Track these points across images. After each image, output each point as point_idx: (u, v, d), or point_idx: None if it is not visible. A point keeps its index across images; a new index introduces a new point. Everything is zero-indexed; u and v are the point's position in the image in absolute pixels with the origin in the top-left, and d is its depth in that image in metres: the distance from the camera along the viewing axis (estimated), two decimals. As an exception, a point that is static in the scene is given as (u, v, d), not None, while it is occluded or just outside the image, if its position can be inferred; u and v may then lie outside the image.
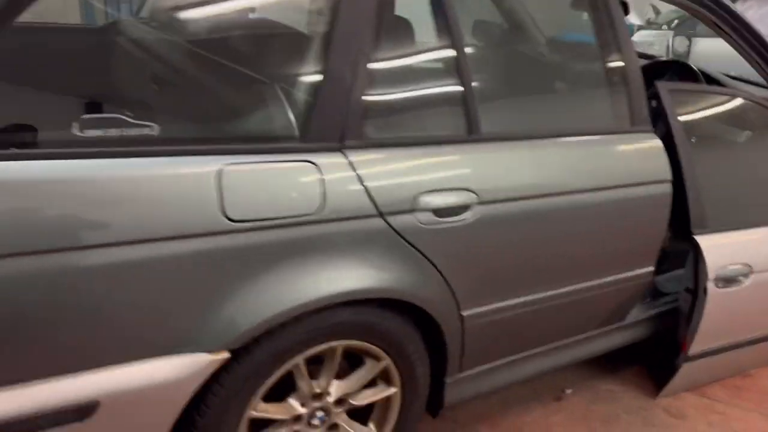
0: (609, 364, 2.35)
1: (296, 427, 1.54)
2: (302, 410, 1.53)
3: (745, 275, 2.10)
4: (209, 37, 1.79)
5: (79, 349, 1.20)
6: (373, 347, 1.55)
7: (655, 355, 2.35)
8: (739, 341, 2.27)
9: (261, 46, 1.76)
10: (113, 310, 1.20)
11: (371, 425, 1.69)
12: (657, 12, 8.46)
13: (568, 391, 2.26)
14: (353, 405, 1.61)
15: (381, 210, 1.42)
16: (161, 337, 1.25)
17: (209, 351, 1.29)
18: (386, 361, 1.60)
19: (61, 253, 1.12)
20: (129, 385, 1.23)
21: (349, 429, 1.63)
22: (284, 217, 1.31)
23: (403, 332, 1.58)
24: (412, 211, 1.46)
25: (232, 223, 1.26)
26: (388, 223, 1.44)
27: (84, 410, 1.20)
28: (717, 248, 2.05)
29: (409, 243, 1.48)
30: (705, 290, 2.03)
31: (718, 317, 2.10)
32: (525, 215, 1.63)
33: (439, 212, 1.50)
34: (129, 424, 1.26)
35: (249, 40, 1.80)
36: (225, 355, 1.30)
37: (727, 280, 2.07)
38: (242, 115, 1.46)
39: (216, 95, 1.56)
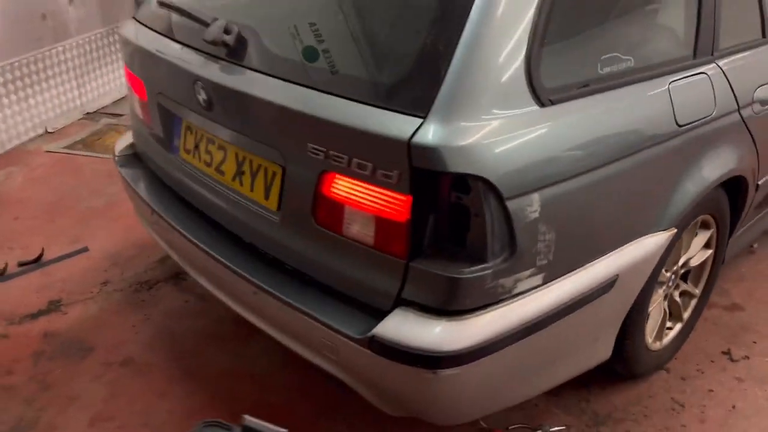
0: None
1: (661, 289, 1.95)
2: (667, 275, 1.94)
3: None
4: None
5: (607, 239, 1.55)
6: (710, 218, 1.97)
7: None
8: None
9: None
10: (625, 206, 1.55)
11: (689, 283, 2.12)
12: None
13: (755, 246, 2.79)
14: (690, 266, 2.03)
15: (739, 105, 1.81)
16: (643, 222, 1.62)
17: (665, 229, 1.67)
18: (713, 229, 2.02)
19: (609, 165, 1.45)
20: (631, 260, 1.59)
21: (684, 286, 2.06)
22: (702, 118, 1.68)
23: (725, 203, 2.00)
24: (752, 103, 1.86)
25: (679, 128, 1.61)
26: (741, 116, 1.83)
27: (610, 284, 1.56)
28: None
29: (749, 130, 1.88)
30: None
31: None
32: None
33: (762, 103, 1.91)
34: (627, 290, 1.64)
35: None
36: (674, 231, 1.69)
37: None
38: (661, 44, 1.72)
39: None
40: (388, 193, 1.31)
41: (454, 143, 1.23)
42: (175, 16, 1.84)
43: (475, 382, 1.40)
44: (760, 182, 2.08)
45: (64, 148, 3.78)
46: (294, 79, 1.45)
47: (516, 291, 1.38)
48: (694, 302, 2.13)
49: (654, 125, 1.56)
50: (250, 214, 1.65)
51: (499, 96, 1.29)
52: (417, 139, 1.22)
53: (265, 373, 2.08)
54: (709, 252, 2.08)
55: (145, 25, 1.97)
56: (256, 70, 1.53)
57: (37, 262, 2.66)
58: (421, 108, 1.26)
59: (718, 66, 1.77)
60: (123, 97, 4.61)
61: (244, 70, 1.55)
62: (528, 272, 1.38)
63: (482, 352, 1.35)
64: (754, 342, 2.24)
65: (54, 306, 2.40)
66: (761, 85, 1.89)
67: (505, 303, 1.37)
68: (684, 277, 2.07)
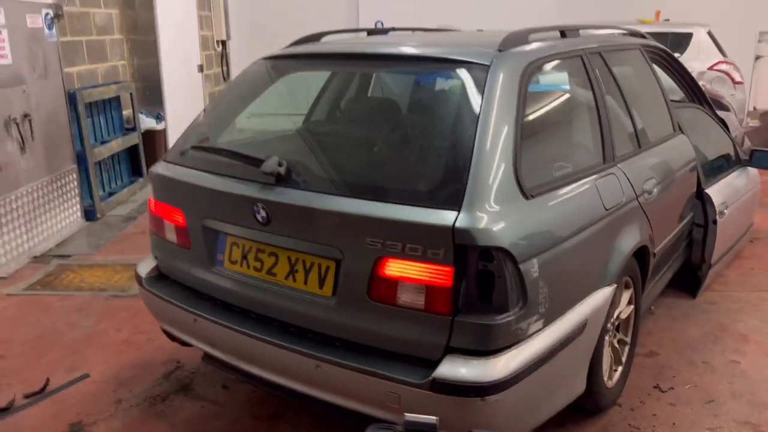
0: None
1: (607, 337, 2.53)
2: (608, 325, 2.53)
3: (726, 209, 3.58)
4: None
5: (578, 291, 2.12)
6: (630, 279, 2.63)
7: (682, 276, 3.71)
8: (724, 250, 3.75)
9: None
10: (587, 267, 2.15)
11: (621, 333, 2.73)
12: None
13: (653, 308, 3.52)
14: (621, 318, 2.65)
15: (636, 194, 2.54)
16: (597, 278, 2.22)
17: (610, 285, 2.28)
18: (632, 288, 2.68)
19: (575, 236, 2.06)
20: (592, 308, 2.16)
21: (619, 335, 2.67)
22: (618, 204, 2.37)
23: (637, 268, 2.68)
24: (643, 193, 2.60)
25: (606, 211, 2.28)
26: (638, 202, 2.56)
27: (582, 326, 2.11)
28: (714, 195, 3.49)
29: (644, 212, 2.61)
30: (715, 221, 3.45)
31: (719, 237, 3.53)
32: (666, 189, 2.84)
33: (649, 192, 2.66)
34: (592, 333, 2.19)
35: None
36: (615, 286, 2.30)
37: (720, 214, 3.52)
38: (585, 155, 2.43)
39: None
40: (436, 266, 1.80)
41: (482, 226, 1.77)
42: (218, 157, 2.30)
43: (512, 404, 1.85)
44: (655, 251, 2.80)
45: (24, 290, 3.88)
46: (349, 193, 1.95)
47: (529, 332, 1.89)
48: (627, 348, 2.73)
49: (593, 208, 2.21)
50: (304, 303, 2.05)
51: (501, 194, 1.87)
52: (458, 224, 1.76)
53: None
54: (632, 307, 2.73)
55: (183, 165, 2.40)
56: (312, 190, 2.01)
57: (43, 392, 2.77)
58: (455, 205, 1.80)
59: (620, 168, 2.51)
60: (65, 239, 4.78)
61: (300, 192, 2.02)
62: (535, 318, 1.90)
63: (514, 380, 1.82)
64: (674, 376, 2.87)
65: (77, 428, 2.54)
66: (646, 180, 2.65)
67: (523, 342, 1.87)
68: (617, 329, 2.67)
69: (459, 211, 1.79)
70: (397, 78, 2.60)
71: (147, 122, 6.37)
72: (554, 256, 1.96)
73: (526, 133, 2.01)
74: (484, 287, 1.81)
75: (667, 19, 8.04)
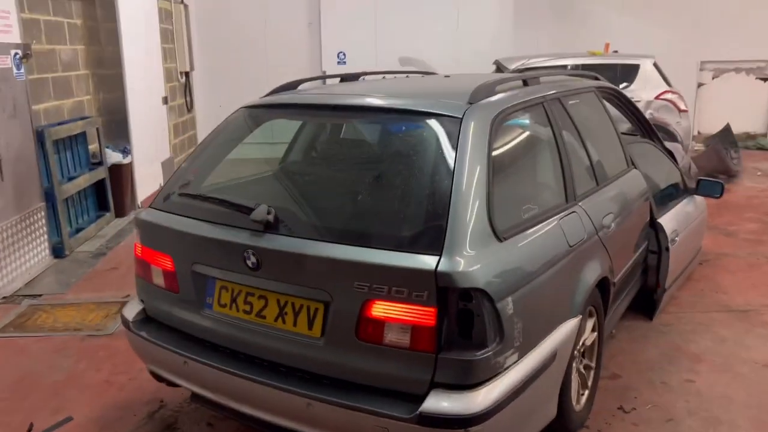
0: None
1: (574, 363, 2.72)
2: (575, 352, 2.72)
3: (677, 236, 3.84)
4: None
5: (547, 324, 2.29)
6: (593, 308, 2.83)
7: (639, 300, 3.94)
8: (677, 275, 4.01)
9: None
10: (556, 301, 2.33)
11: (587, 358, 2.92)
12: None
13: (614, 332, 3.74)
14: (585, 345, 2.84)
15: (596, 229, 2.75)
16: (564, 311, 2.40)
17: (575, 316, 2.46)
18: (595, 317, 2.88)
19: (543, 273, 2.24)
20: (561, 338, 2.34)
21: (585, 361, 2.86)
22: (580, 240, 2.56)
23: (599, 297, 2.88)
24: (602, 228, 2.81)
25: (570, 247, 2.48)
26: (598, 236, 2.76)
27: (553, 356, 2.28)
28: (666, 224, 3.75)
29: (604, 245, 2.82)
30: (667, 248, 3.71)
31: (672, 262, 3.79)
32: (622, 222, 3.07)
33: (608, 227, 2.87)
34: (562, 361, 2.36)
35: None
36: (580, 317, 2.49)
37: (672, 241, 3.78)
38: (549, 196, 2.63)
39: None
40: (420, 307, 1.95)
41: (460, 269, 1.93)
42: (206, 204, 2.41)
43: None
44: (615, 280, 3.02)
45: (-3, 332, 3.87)
46: (335, 239, 2.09)
47: (506, 365, 2.05)
48: (592, 373, 2.92)
49: (559, 246, 2.40)
50: (294, 344, 2.17)
51: (477, 239, 2.04)
52: (440, 268, 1.91)
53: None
54: (595, 334, 2.92)
55: (169, 212, 2.50)
56: (300, 237, 2.14)
57: (27, 436, 2.79)
58: (436, 250, 1.96)
59: (581, 206, 2.71)
60: (34, 278, 4.76)
61: (289, 238, 2.15)
62: (511, 351, 2.06)
63: (494, 411, 1.97)
64: (635, 397, 3.07)
65: (65, 471, 2.57)
66: (604, 215, 2.87)
67: (501, 375, 2.03)
68: (583, 355, 2.86)
69: (440, 255, 1.95)
70: (375, 128, 2.76)
71: (113, 156, 6.38)
72: (526, 293, 2.13)
73: (496, 180, 2.19)
74: (464, 326, 1.97)
75: (616, 51, 8.47)
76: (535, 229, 2.33)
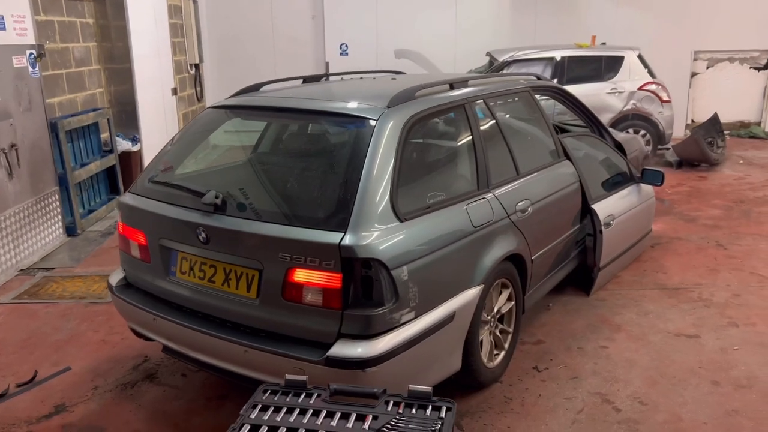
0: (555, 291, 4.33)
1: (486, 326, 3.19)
2: (487, 318, 3.19)
3: (612, 220, 4.26)
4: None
5: (446, 291, 2.77)
6: (507, 281, 3.29)
7: (579, 276, 4.39)
8: (615, 255, 4.43)
9: None
10: (455, 272, 2.80)
11: (505, 324, 3.38)
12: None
13: (551, 305, 4.19)
14: (502, 312, 3.31)
15: (507, 213, 3.20)
16: (464, 281, 2.87)
17: (477, 285, 2.93)
18: (510, 288, 3.34)
19: (441, 249, 2.71)
20: (461, 303, 2.82)
21: (501, 326, 3.32)
22: (487, 222, 3.02)
23: (514, 271, 3.33)
24: (516, 212, 3.27)
25: (475, 228, 2.94)
26: (510, 219, 3.22)
27: (451, 317, 2.76)
28: (600, 210, 4.17)
29: (517, 227, 3.27)
30: (601, 231, 4.14)
31: (607, 244, 4.22)
32: (542, 207, 3.51)
33: (523, 211, 3.32)
34: (462, 322, 2.84)
35: None
36: (482, 286, 2.96)
37: (606, 225, 4.20)
38: (460, 184, 3.10)
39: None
40: (329, 273, 2.44)
41: (361, 243, 2.42)
42: (170, 189, 2.93)
43: (388, 374, 2.49)
44: (533, 258, 3.47)
45: (13, 299, 4.47)
46: (267, 219, 2.59)
47: (402, 321, 2.53)
48: (509, 337, 3.39)
49: (461, 227, 2.87)
50: (236, 303, 2.68)
51: (380, 218, 2.52)
52: (343, 242, 2.40)
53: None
54: (512, 303, 3.39)
55: (143, 195, 3.03)
56: (240, 217, 2.65)
57: (32, 382, 3.37)
58: (341, 227, 2.45)
59: (493, 193, 3.17)
60: (49, 254, 5.36)
61: (231, 218, 2.66)
62: (406, 310, 2.55)
63: (389, 356, 2.46)
64: (551, 359, 3.53)
65: (61, 408, 3.14)
66: (519, 201, 3.32)
67: (397, 329, 2.52)
68: (500, 320, 3.33)
69: (345, 232, 2.44)
70: (309, 127, 3.24)
71: (123, 144, 6.97)
72: (423, 264, 2.61)
73: (404, 172, 2.66)
74: (366, 288, 2.46)
75: (604, 43, 8.78)
76: (438, 212, 2.80)
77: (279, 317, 2.60)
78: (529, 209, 3.39)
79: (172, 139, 3.30)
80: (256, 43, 10.51)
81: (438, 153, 3.17)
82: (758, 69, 10.51)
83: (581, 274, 4.34)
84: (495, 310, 3.22)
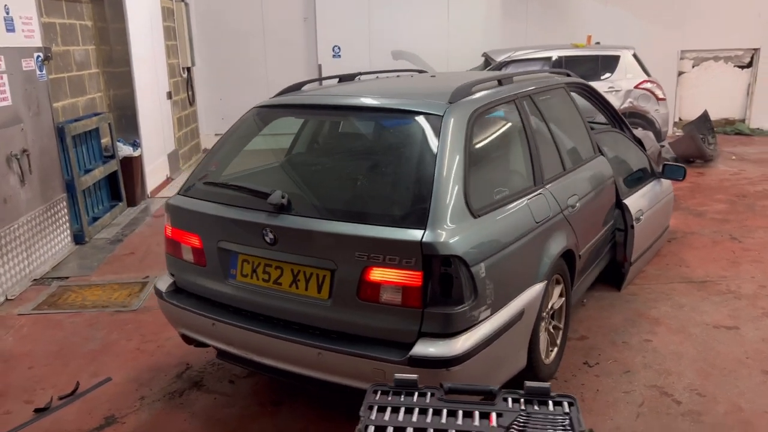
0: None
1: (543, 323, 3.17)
2: (543, 314, 3.17)
3: (642, 215, 4.30)
4: None
5: (516, 287, 2.74)
6: (560, 276, 3.29)
7: (608, 272, 4.41)
8: (643, 250, 4.47)
9: None
10: (523, 268, 2.78)
11: (556, 320, 3.38)
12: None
13: (585, 301, 4.20)
14: (554, 308, 3.30)
15: (561, 208, 3.20)
16: (531, 277, 2.86)
17: (541, 281, 2.92)
18: (562, 284, 3.34)
19: (511, 245, 2.69)
20: (528, 299, 2.80)
21: (554, 322, 3.32)
22: (545, 217, 3.01)
23: (565, 267, 3.33)
24: (567, 207, 3.27)
25: (536, 223, 2.93)
26: (563, 215, 3.21)
27: (520, 314, 2.74)
28: (631, 204, 4.20)
29: (569, 222, 3.27)
30: (632, 226, 4.17)
31: (638, 239, 4.25)
32: (587, 203, 3.52)
33: (572, 206, 3.33)
34: (529, 319, 2.82)
35: None
36: (545, 282, 2.94)
37: (637, 220, 4.24)
38: (518, 180, 3.08)
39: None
40: (409, 271, 2.40)
41: (442, 240, 2.38)
42: (228, 191, 2.85)
43: (468, 373, 2.45)
44: (580, 253, 3.47)
45: (33, 310, 4.31)
46: (340, 218, 2.54)
47: (480, 319, 2.50)
48: (561, 333, 3.39)
49: (526, 222, 2.85)
50: (305, 305, 2.62)
51: (456, 215, 2.49)
52: (424, 240, 2.36)
53: (298, 427, 2.92)
54: (563, 299, 3.38)
55: (198, 198, 2.94)
56: (310, 216, 2.59)
57: (74, 393, 3.24)
58: (420, 224, 2.40)
59: (548, 189, 3.16)
60: (60, 263, 5.19)
61: (301, 218, 2.59)
62: (483, 307, 2.52)
63: (470, 354, 2.43)
64: (599, 354, 3.53)
65: (111, 420, 3.03)
66: (569, 196, 3.32)
67: (476, 326, 2.49)
68: (552, 317, 3.32)
69: (425, 229, 2.40)
70: (369, 124, 3.19)
71: (124, 150, 6.80)
72: (497, 260, 2.58)
73: (472, 167, 2.64)
74: (445, 286, 2.42)
75: (598, 42, 8.90)
76: (505, 207, 2.77)
77: (353, 318, 2.54)
78: (577, 204, 3.39)
79: (220, 140, 3.22)
80: (247, 46, 10.39)
81: (498, 148, 3.16)
82: (742, 67, 10.78)
83: (610, 270, 4.36)
84: (549, 305, 3.21)
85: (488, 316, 2.55)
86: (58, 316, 4.21)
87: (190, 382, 3.34)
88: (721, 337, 3.71)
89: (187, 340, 3.12)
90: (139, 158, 7.06)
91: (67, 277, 4.91)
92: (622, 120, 4.81)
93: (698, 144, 8.20)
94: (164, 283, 3.12)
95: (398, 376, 1.96)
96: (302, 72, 10.39)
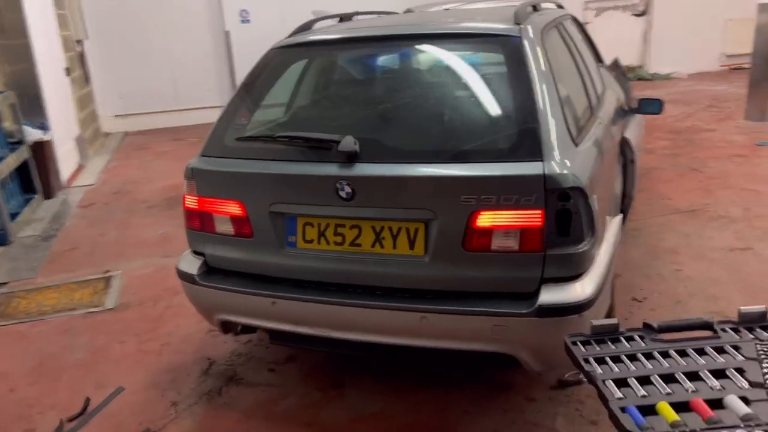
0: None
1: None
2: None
3: (638, 150, 4.26)
4: None
5: (606, 218, 2.53)
6: (610, 212, 3.13)
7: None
8: (636, 185, 4.45)
9: None
10: (609, 199, 2.57)
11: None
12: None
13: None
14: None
15: (613, 135, 3.03)
16: (613, 208, 2.66)
17: (616, 214, 2.73)
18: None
19: (604, 173, 2.47)
20: (613, 233, 2.60)
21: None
22: (613, 144, 2.82)
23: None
24: (614, 135, 3.10)
25: (613, 149, 2.73)
26: (618, 143, 3.05)
27: (610, 248, 2.54)
28: (631, 139, 4.14)
29: (620, 152, 3.11)
30: (633, 161, 4.11)
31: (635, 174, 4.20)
32: (616, 133, 3.40)
33: (616, 135, 3.17)
34: (615, 245, 2.62)
35: None
36: (620, 215, 2.76)
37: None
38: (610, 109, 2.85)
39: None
40: (529, 211, 2.10)
41: (563, 171, 2.10)
42: (277, 144, 2.39)
43: (594, 314, 2.22)
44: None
45: (-19, 324, 3.55)
46: (435, 160, 2.18)
47: (596, 257, 2.27)
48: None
49: (610, 148, 2.66)
50: (395, 265, 2.25)
51: (563, 144, 2.20)
52: (547, 172, 2.07)
53: (376, 408, 2.57)
54: (609, 236, 3.24)
55: (233, 157, 2.44)
56: (397, 162, 2.20)
57: (85, 412, 2.66)
58: (537, 157, 2.11)
59: (598, 116, 2.97)
60: (-10, 268, 4.36)
61: (386, 164, 2.20)
62: (597, 243, 2.28)
63: (597, 296, 2.19)
64: (641, 289, 3.44)
65: (148, 434, 2.50)
66: (612, 125, 3.16)
67: (597, 263, 2.25)
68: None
69: (543, 161, 2.10)
70: (431, 54, 2.79)
71: (34, 134, 5.86)
72: (600, 191, 2.35)
73: (560, 91, 2.37)
74: (564, 223, 2.15)
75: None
76: (591, 133, 2.54)
77: (458, 272, 2.21)
78: (616, 134, 3.24)
79: (239, 90, 2.71)
80: (144, 17, 9.37)
81: (565, 72, 2.88)
82: (638, 15, 11.29)
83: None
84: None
85: (598, 253, 2.32)
86: (18, 326, 3.49)
87: (224, 378, 2.85)
88: (742, 258, 3.75)
89: (226, 328, 2.63)
90: (50, 143, 6.13)
91: (5, 283, 4.11)
92: (600, 57, 4.74)
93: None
94: (191, 264, 2.60)
95: (596, 322, 1.68)
96: (208, 41, 9.58)
